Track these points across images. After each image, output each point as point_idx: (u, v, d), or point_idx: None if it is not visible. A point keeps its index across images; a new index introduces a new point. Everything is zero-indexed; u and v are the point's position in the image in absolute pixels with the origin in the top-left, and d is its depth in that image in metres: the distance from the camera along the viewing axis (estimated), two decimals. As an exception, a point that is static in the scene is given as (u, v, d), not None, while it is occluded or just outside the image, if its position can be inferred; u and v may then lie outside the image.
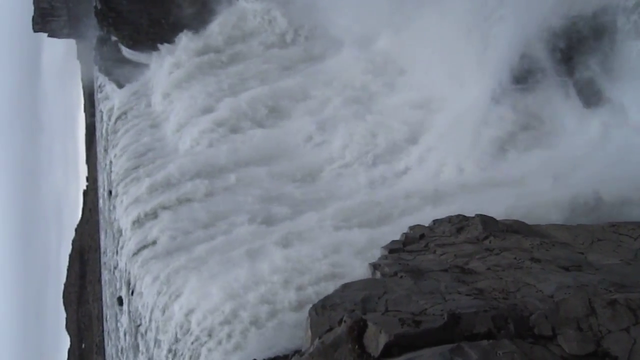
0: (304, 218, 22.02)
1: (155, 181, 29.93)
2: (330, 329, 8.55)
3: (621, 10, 18.32)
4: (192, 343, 20.14)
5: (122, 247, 31.82)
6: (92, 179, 68.95)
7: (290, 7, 32.44)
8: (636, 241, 12.12)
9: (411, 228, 14.01)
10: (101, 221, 52.01)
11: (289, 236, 20.87)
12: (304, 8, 30.90)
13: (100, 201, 52.77)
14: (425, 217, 15.32)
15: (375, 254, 13.80)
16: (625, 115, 17.57)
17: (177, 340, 21.39)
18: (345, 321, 8.29)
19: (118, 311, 36.33)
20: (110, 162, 40.92)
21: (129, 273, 28.93)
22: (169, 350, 21.82)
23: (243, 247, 21.67)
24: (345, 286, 9.88)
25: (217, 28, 34.85)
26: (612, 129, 17.87)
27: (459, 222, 13.06)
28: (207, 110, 31.33)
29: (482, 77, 20.26)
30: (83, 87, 77.12)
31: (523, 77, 20.16)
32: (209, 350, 19.11)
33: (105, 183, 45.89)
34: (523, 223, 13.12)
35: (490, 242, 11.94)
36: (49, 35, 71.64)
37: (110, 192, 39.91)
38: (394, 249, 12.74)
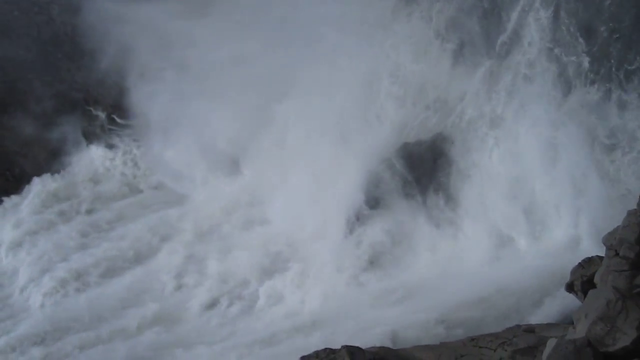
0: None
1: (4, 345, 27.26)
2: None
3: (457, 131, 20.05)
4: None
5: None
6: None
7: (143, 155, 32.75)
8: (495, 352, 12.54)
9: (280, 368, 13.66)
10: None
11: None
12: (156, 158, 31.40)
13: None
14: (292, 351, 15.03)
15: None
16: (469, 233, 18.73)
17: None
18: None
19: None
20: (-53, 330, 36.92)
21: None
22: None
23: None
24: None
25: (66, 177, 34.09)
26: (463, 249, 18.91)
27: (327, 356, 12.84)
28: (59, 263, 29.71)
29: (333, 207, 21.02)
30: None
31: (375, 202, 21.10)
32: None
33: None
34: (388, 349, 13.17)
35: (358, 374, 11.80)
36: None
37: (-53, 365, 35.68)
38: (263, 392, 12.27)
